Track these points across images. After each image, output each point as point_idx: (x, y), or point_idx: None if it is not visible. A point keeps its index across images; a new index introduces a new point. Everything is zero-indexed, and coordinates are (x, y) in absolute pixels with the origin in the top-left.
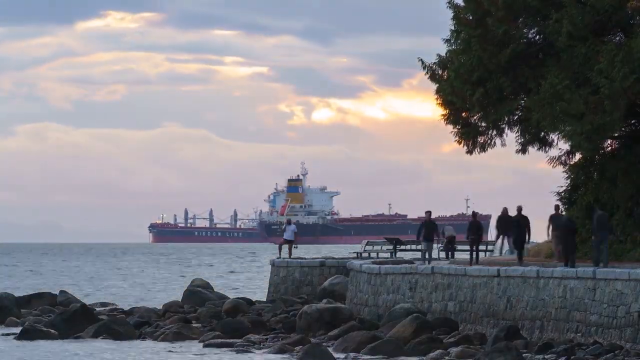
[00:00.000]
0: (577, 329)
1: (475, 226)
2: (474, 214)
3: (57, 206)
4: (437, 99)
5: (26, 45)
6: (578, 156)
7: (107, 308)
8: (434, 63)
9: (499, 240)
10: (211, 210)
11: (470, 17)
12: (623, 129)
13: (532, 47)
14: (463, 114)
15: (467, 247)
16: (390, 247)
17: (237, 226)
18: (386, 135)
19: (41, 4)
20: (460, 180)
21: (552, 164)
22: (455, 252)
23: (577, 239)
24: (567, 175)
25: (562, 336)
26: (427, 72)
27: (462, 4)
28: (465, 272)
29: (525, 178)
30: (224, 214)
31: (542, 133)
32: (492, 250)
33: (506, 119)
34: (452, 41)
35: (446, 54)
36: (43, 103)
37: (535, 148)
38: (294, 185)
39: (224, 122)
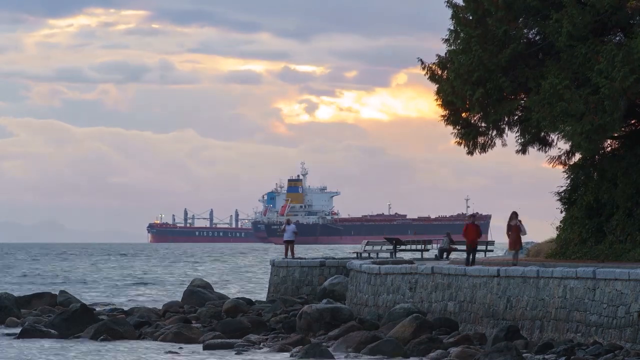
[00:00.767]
0: (577, 329)
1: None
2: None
3: (57, 206)
4: (437, 99)
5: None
6: (578, 156)
7: (107, 308)
8: (434, 63)
9: None
10: (212, 211)
11: (470, 17)
12: (623, 129)
13: (532, 47)
14: (463, 115)
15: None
16: (390, 247)
17: (239, 226)
18: (383, 134)
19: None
20: (461, 180)
21: (552, 164)
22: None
23: (578, 239)
24: (567, 175)
25: (562, 336)
26: (426, 72)
27: (462, 3)
28: (465, 272)
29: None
30: (223, 214)
31: (542, 133)
32: (492, 251)
33: (506, 119)
34: (452, 41)
35: (446, 54)
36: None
37: (535, 148)
38: (294, 186)
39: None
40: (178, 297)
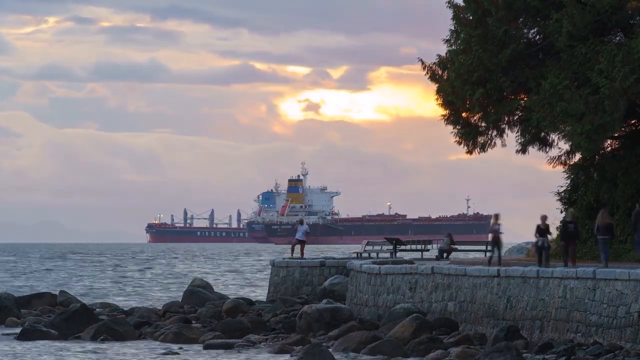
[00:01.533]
0: (577, 329)
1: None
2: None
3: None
4: (437, 99)
5: None
6: (578, 156)
7: (107, 308)
8: (434, 63)
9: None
10: (212, 211)
11: (470, 17)
12: (623, 129)
13: (532, 47)
14: (463, 114)
15: (467, 248)
16: (390, 247)
17: (241, 226)
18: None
19: None
20: (461, 180)
21: (552, 164)
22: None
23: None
24: (567, 175)
25: (562, 336)
26: (427, 72)
27: (462, 4)
28: (465, 272)
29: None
30: (222, 214)
31: (542, 133)
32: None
33: (506, 119)
34: (452, 41)
35: (446, 54)
36: None
37: (536, 148)
38: (294, 186)
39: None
40: (178, 297)
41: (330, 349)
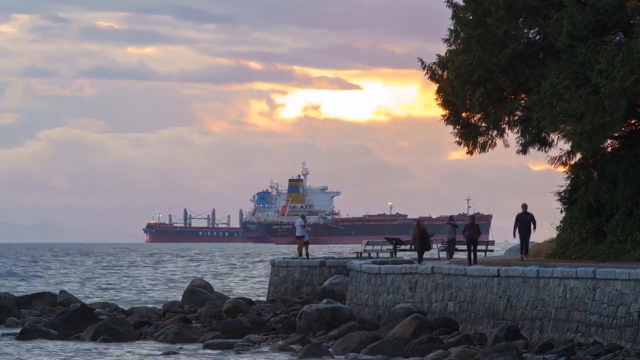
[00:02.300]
0: (577, 329)
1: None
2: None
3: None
4: (437, 99)
5: None
6: (578, 156)
7: (107, 308)
8: (434, 63)
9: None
10: (214, 211)
11: (470, 17)
12: (623, 129)
13: (532, 47)
14: (463, 114)
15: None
16: (390, 247)
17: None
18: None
19: None
20: (461, 179)
21: (552, 164)
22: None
23: (578, 239)
24: (567, 175)
25: (562, 336)
26: (427, 72)
27: (462, 3)
28: (465, 272)
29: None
30: (222, 214)
31: (543, 133)
32: (492, 251)
33: (506, 119)
34: (452, 41)
35: (446, 54)
36: None
37: (536, 148)
38: (295, 185)
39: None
40: (178, 297)
41: (330, 349)
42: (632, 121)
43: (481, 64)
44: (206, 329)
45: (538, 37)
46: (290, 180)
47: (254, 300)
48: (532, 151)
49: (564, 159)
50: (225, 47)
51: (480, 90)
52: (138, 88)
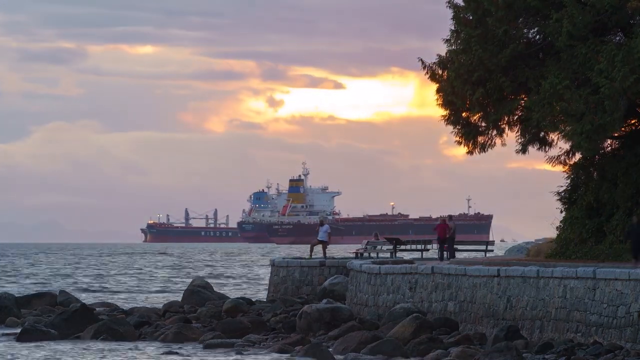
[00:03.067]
0: (577, 329)
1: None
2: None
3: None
4: (437, 99)
5: None
6: (578, 156)
7: (107, 308)
8: (434, 63)
9: None
10: (216, 211)
11: (470, 17)
12: (623, 129)
13: (532, 47)
14: (463, 114)
15: (468, 248)
16: (390, 247)
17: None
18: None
19: None
20: (461, 179)
21: (552, 164)
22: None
23: (578, 239)
24: (567, 175)
25: (562, 336)
26: (427, 72)
27: (462, 4)
28: (465, 272)
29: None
30: (222, 214)
31: (542, 133)
32: (492, 250)
33: (506, 118)
34: (452, 41)
35: (446, 54)
36: None
37: (536, 148)
38: (295, 186)
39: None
40: (178, 297)
41: (330, 349)
42: (632, 121)
43: (481, 64)
44: (206, 329)
45: (538, 37)
46: (290, 180)
47: (253, 300)
48: (532, 151)
49: (563, 158)
50: (224, 47)
51: (480, 90)
52: (137, 87)
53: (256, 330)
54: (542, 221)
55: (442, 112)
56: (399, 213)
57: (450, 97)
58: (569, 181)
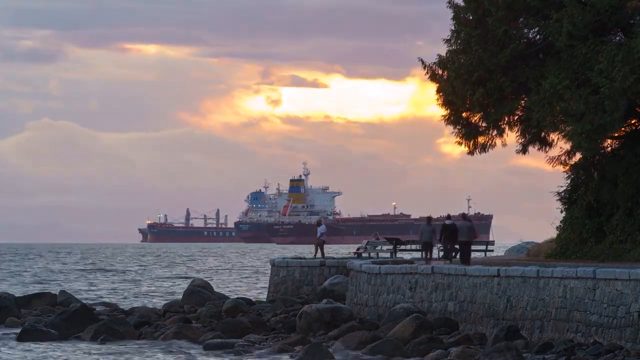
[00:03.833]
0: (577, 329)
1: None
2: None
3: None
4: (437, 99)
5: None
6: (578, 156)
7: (107, 308)
8: (434, 63)
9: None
10: (218, 211)
11: (470, 17)
12: (623, 129)
13: (532, 47)
14: (463, 114)
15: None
16: (390, 247)
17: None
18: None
19: None
20: (461, 180)
21: (552, 164)
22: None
23: (578, 239)
24: (567, 175)
25: (562, 336)
26: (427, 72)
27: (462, 4)
28: (465, 272)
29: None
30: (223, 214)
31: (543, 133)
32: (492, 250)
33: (506, 119)
34: (452, 41)
35: (446, 54)
36: None
37: (536, 148)
38: (296, 186)
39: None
40: (178, 297)
41: (330, 349)
42: (632, 121)
43: (481, 64)
44: (206, 329)
45: (538, 37)
46: (291, 181)
47: (253, 300)
48: (532, 151)
49: (563, 158)
50: (224, 47)
51: (480, 90)
52: (136, 86)
53: (256, 330)
54: (542, 221)
55: (443, 112)
56: (401, 213)
57: (450, 97)
58: (569, 181)
